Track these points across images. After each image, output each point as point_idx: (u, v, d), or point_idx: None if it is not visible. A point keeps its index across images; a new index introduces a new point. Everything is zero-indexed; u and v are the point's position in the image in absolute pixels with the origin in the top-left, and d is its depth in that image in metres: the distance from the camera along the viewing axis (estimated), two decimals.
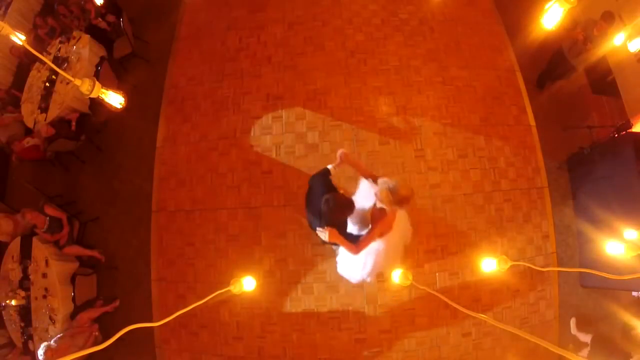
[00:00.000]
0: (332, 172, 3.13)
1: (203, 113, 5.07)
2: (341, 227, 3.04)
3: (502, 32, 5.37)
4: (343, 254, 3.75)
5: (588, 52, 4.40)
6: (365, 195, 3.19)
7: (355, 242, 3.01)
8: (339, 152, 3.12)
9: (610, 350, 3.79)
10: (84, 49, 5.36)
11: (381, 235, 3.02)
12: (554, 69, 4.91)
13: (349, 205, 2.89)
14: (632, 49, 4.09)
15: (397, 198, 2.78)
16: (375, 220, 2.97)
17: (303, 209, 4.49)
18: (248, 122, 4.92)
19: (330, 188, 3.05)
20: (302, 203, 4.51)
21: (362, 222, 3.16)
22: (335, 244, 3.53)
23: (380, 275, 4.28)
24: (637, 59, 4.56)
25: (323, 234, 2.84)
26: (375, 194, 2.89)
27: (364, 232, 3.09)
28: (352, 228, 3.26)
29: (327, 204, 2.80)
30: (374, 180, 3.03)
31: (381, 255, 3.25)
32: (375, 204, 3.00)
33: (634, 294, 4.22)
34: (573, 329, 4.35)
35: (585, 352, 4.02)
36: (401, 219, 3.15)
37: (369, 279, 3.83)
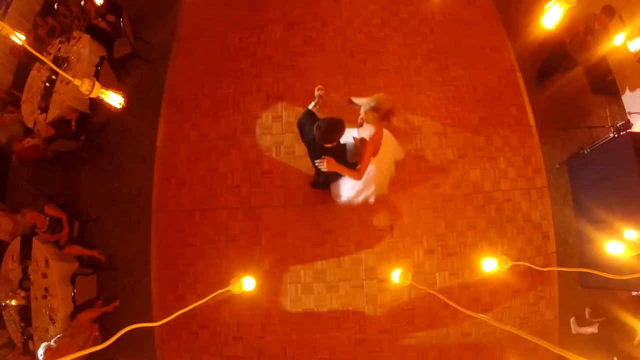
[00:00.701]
0: (314, 110, 3.20)
1: (203, 113, 5.07)
2: (338, 158, 3.08)
3: (502, 32, 5.36)
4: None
5: (589, 45, 4.41)
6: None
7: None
8: (317, 92, 3.17)
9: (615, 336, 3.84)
10: (84, 49, 5.35)
11: (374, 154, 3.12)
12: (556, 62, 4.91)
13: (339, 124, 2.90)
14: (632, 49, 4.10)
15: (382, 114, 2.89)
16: (364, 143, 3.08)
17: (303, 209, 4.52)
18: (248, 122, 4.92)
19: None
20: (302, 203, 4.54)
21: (354, 149, 3.26)
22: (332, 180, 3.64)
23: (380, 274, 4.29)
24: (637, 59, 4.57)
25: (322, 165, 2.89)
26: (361, 119, 2.98)
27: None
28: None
29: (319, 129, 2.84)
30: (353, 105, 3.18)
31: (374, 173, 3.42)
32: (358, 134, 3.16)
33: (634, 293, 4.23)
34: (574, 329, 4.36)
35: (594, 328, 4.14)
36: (388, 137, 3.30)
37: (356, 200, 3.88)
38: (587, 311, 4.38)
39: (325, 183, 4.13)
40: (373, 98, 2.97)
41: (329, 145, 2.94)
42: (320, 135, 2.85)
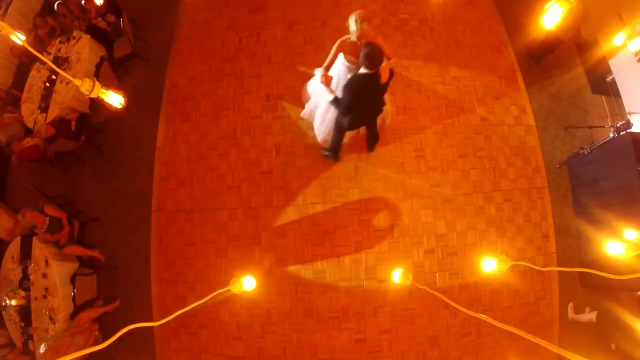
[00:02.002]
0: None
1: (203, 113, 5.07)
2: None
3: (502, 32, 5.37)
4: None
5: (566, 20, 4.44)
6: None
7: None
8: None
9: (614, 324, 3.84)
10: (84, 49, 5.35)
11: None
12: (544, 43, 4.95)
13: (374, 43, 3.26)
14: (632, 49, 4.09)
15: (367, 18, 3.37)
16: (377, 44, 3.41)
17: (303, 209, 4.52)
18: (248, 122, 4.92)
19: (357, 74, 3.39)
20: (302, 203, 4.54)
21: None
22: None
23: (380, 274, 4.29)
24: (637, 59, 4.57)
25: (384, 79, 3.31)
26: (358, 37, 3.39)
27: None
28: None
29: (368, 55, 3.14)
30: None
31: None
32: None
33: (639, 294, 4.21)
34: (570, 315, 4.34)
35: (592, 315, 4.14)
36: None
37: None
38: (587, 309, 4.38)
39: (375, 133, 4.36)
40: (353, 17, 3.35)
41: (376, 68, 3.25)
42: (373, 58, 3.15)
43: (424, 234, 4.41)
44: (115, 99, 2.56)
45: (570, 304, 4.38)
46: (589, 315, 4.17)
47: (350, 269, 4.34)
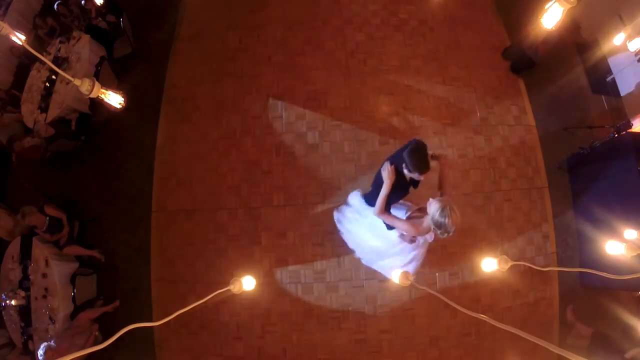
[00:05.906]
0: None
1: (203, 113, 5.07)
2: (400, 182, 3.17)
3: (502, 32, 5.37)
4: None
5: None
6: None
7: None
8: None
9: (610, 348, 3.78)
10: (84, 49, 5.34)
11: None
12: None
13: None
14: (632, 49, 4.09)
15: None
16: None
17: (303, 209, 4.52)
18: (248, 122, 4.92)
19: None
20: (302, 203, 4.54)
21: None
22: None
23: (380, 274, 4.29)
24: (637, 59, 4.57)
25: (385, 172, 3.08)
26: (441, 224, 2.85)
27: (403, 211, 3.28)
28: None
29: (414, 150, 2.95)
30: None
31: None
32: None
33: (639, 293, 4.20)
34: (569, 317, 4.32)
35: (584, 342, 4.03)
36: None
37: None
38: (569, 308, 4.35)
39: None
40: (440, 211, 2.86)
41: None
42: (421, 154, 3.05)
43: None
44: (115, 99, 2.55)
45: (570, 306, 4.35)
46: (585, 331, 4.13)
47: (350, 269, 4.34)
